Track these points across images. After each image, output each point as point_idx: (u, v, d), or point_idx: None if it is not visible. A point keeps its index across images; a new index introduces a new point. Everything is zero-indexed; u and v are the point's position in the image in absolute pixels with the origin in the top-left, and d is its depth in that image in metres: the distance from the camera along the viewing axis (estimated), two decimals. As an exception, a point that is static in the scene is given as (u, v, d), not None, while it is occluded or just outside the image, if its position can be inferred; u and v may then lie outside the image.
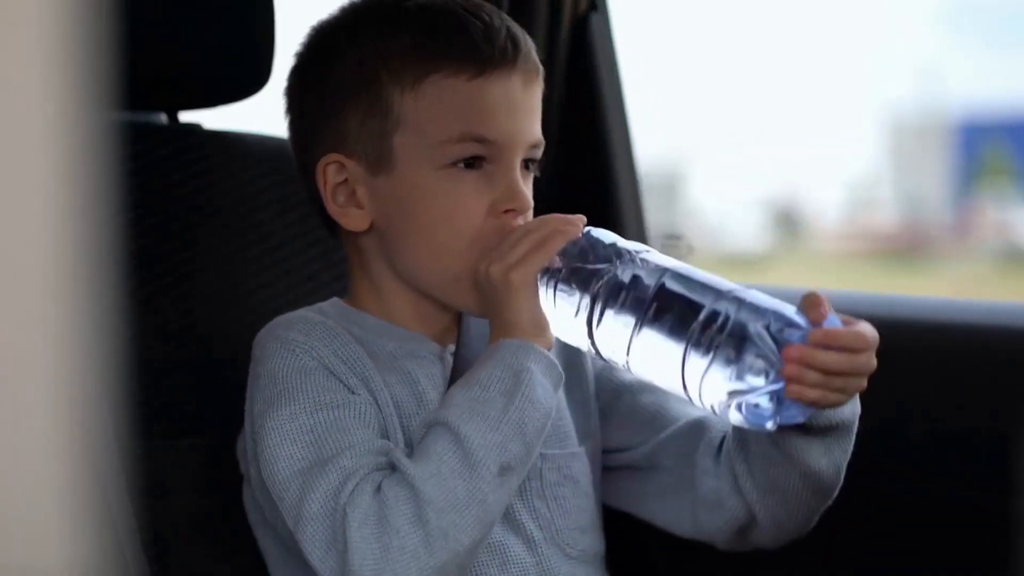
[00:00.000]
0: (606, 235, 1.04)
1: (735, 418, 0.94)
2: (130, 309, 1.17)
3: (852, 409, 1.04)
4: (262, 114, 1.42)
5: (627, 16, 1.71)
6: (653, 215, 1.69)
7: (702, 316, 0.94)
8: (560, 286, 1.02)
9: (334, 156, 1.09)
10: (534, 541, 1.10)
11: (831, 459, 1.06)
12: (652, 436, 1.16)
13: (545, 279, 1.02)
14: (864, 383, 0.99)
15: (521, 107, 1.09)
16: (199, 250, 1.26)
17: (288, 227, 1.31)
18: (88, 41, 0.44)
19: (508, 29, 1.09)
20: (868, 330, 0.98)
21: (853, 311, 1.44)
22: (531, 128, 1.10)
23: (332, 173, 1.09)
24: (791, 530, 1.13)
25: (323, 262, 1.32)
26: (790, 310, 0.94)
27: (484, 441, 0.97)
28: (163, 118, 1.34)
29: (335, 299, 1.14)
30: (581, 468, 1.16)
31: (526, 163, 1.10)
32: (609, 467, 1.19)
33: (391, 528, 0.95)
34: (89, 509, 0.45)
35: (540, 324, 1.02)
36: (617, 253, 1.01)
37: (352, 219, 1.10)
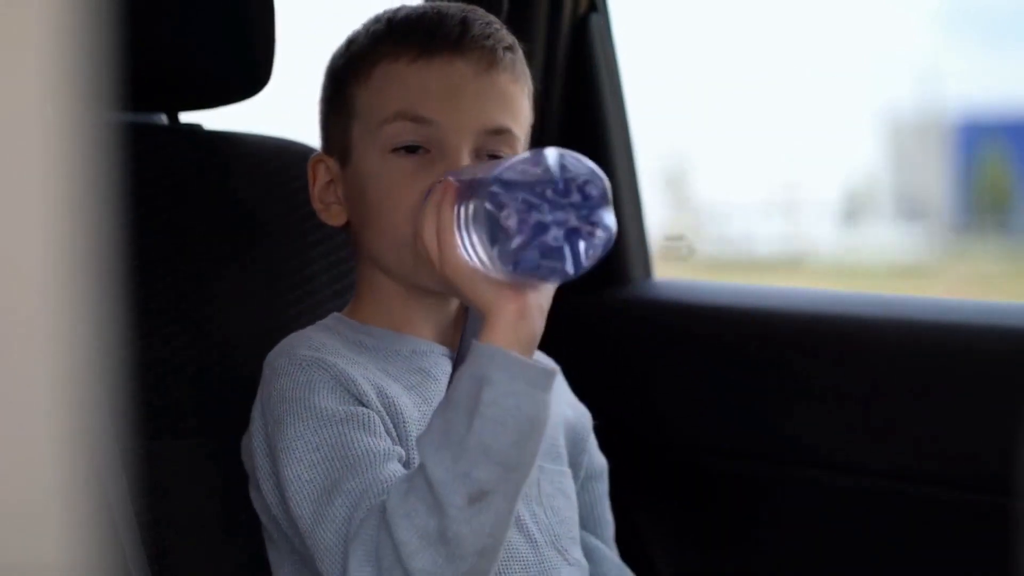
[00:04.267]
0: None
1: (542, 278, 0.93)
2: (130, 310, 1.17)
3: None
4: (262, 115, 1.42)
5: (627, 16, 1.71)
6: (654, 214, 1.69)
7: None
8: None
9: (320, 156, 1.16)
10: (536, 542, 1.11)
11: None
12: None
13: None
14: None
15: (469, 92, 1.09)
16: (199, 250, 1.25)
17: (288, 228, 1.31)
18: (88, 41, 0.44)
19: (464, 18, 1.10)
20: None
21: (853, 311, 1.45)
22: (485, 114, 1.09)
23: (321, 173, 1.16)
24: None
25: (323, 263, 1.32)
26: (540, 160, 0.92)
27: (447, 474, 0.94)
28: (163, 119, 1.34)
29: (335, 315, 1.16)
30: (571, 486, 1.19)
31: (491, 156, 1.10)
32: None
33: (383, 570, 0.95)
34: (89, 509, 0.45)
35: (492, 298, 0.97)
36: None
37: (332, 215, 1.16)
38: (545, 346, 1.63)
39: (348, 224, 1.15)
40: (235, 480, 1.15)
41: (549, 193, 0.91)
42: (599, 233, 0.92)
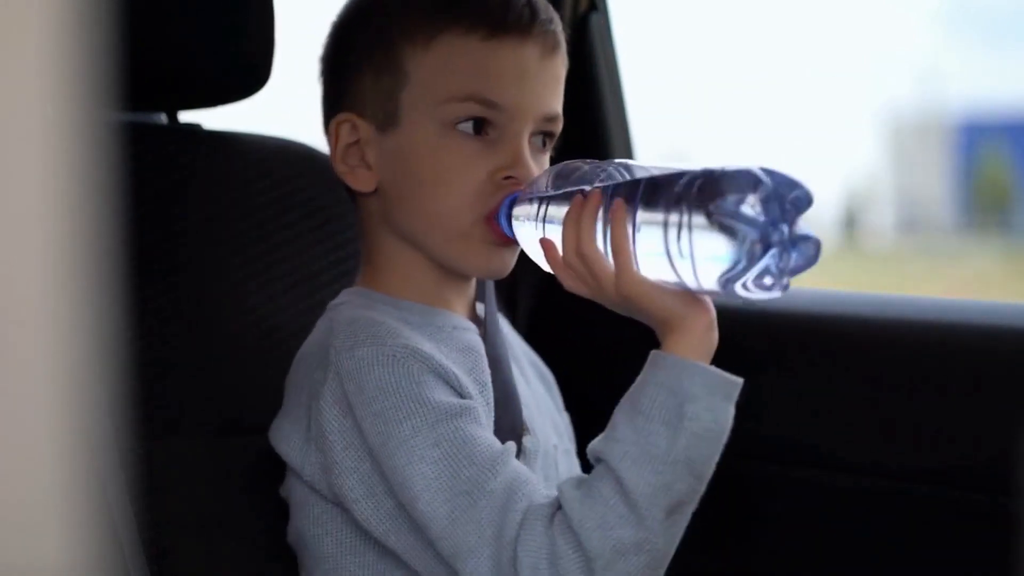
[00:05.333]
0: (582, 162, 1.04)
1: (750, 297, 0.90)
2: (130, 309, 1.17)
3: None
4: (262, 114, 1.42)
5: (627, 16, 1.71)
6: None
7: (670, 218, 0.91)
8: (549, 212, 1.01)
9: (347, 115, 1.10)
10: None
11: None
12: None
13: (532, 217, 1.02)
14: None
15: (534, 77, 1.08)
16: (199, 250, 1.25)
17: (288, 227, 1.31)
18: (88, 41, 0.44)
19: (530, 0, 1.09)
20: None
21: (853, 311, 1.45)
22: (545, 100, 1.09)
23: (345, 133, 1.11)
24: None
25: (324, 262, 1.32)
26: (747, 174, 0.89)
27: (649, 488, 0.95)
28: (163, 118, 1.34)
29: (358, 289, 1.13)
30: (576, 464, 1.19)
31: (543, 140, 1.10)
32: None
33: None
34: (89, 509, 0.45)
35: (682, 310, 0.97)
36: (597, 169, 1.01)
37: (359, 179, 1.11)
38: (545, 345, 1.63)
39: (375, 191, 1.11)
40: (235, 479, 1.15)
41: (772, 209, 0.88)
42: (809, 247, 0.89)
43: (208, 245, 1.26)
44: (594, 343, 1.58)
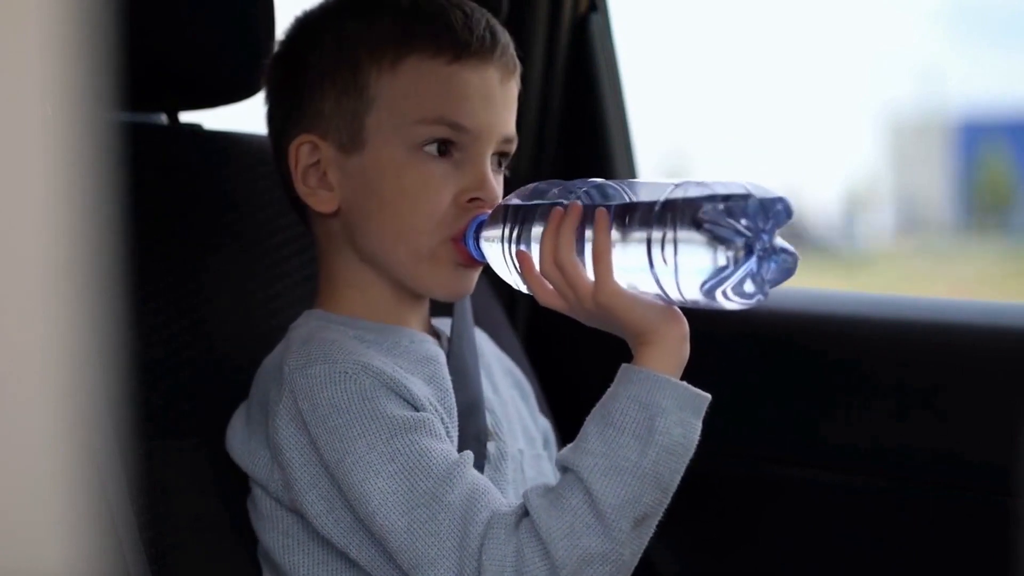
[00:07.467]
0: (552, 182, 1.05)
1: (728, 306, 0.92)
2: (130, 309, 1.17)
3: None
4: (262, 114, 1.42)
5: (627, 16, 1.71)
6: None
7: (654, 229, 0.92)
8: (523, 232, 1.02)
9: (307, 136, 1.11)
10: None
11: None
12: None
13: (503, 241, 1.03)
14: None
15: (497, 99, 1.10)
16: (199, 250, 1.25)
17: (288, 227, 1.31)
18: (88, 41, 0.44)
19: (488, 22, 1.11)
20: None
21: (853, 311, 1.45)
22: (505, 122, 1.11)
23: (304, 154, 1.11)
24: None
25: (323, 262, 1.32)
26: (733, 186, 0.91)
27: (617, 500, 0.95)
28: (163, 118, 1.34)
29: (316, 312, 1.14)
30: (550, 468, 1.20)
31: (499, 160, 1.12)
32: None
33: None
34: (89, 509, 0.45)
35: (658, 322, 0.97)
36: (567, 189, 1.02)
37: (320, 200, 1.12)
38: (544, 346, 1.63)
39: (336, 212, 1.12)
40: (235, 480, 1.15)
41: (756, 220, 0.89)
42: (787, 259, 0.91)
43: (208, 245, 1.26)
44: (592, 349, 1.58)
